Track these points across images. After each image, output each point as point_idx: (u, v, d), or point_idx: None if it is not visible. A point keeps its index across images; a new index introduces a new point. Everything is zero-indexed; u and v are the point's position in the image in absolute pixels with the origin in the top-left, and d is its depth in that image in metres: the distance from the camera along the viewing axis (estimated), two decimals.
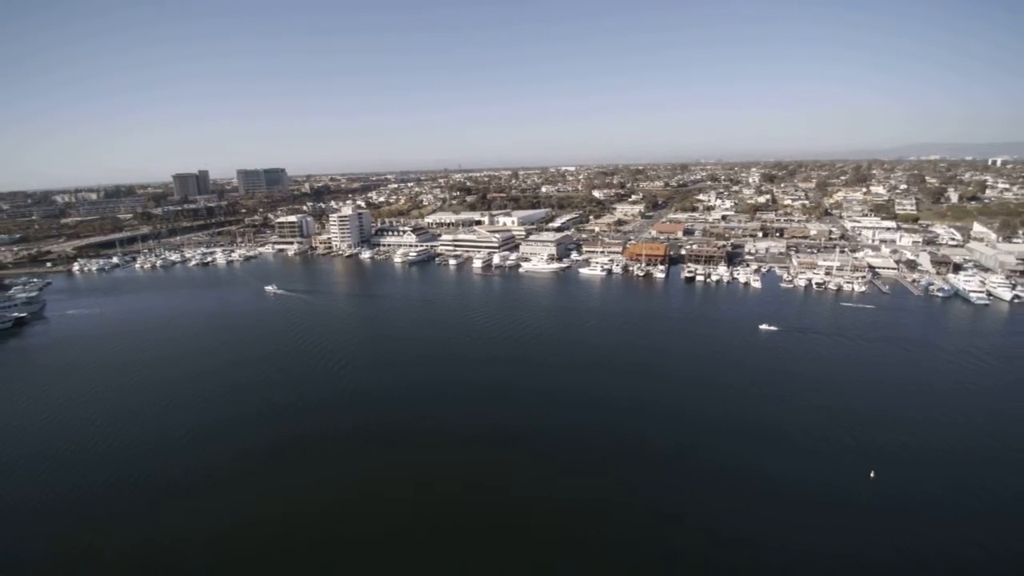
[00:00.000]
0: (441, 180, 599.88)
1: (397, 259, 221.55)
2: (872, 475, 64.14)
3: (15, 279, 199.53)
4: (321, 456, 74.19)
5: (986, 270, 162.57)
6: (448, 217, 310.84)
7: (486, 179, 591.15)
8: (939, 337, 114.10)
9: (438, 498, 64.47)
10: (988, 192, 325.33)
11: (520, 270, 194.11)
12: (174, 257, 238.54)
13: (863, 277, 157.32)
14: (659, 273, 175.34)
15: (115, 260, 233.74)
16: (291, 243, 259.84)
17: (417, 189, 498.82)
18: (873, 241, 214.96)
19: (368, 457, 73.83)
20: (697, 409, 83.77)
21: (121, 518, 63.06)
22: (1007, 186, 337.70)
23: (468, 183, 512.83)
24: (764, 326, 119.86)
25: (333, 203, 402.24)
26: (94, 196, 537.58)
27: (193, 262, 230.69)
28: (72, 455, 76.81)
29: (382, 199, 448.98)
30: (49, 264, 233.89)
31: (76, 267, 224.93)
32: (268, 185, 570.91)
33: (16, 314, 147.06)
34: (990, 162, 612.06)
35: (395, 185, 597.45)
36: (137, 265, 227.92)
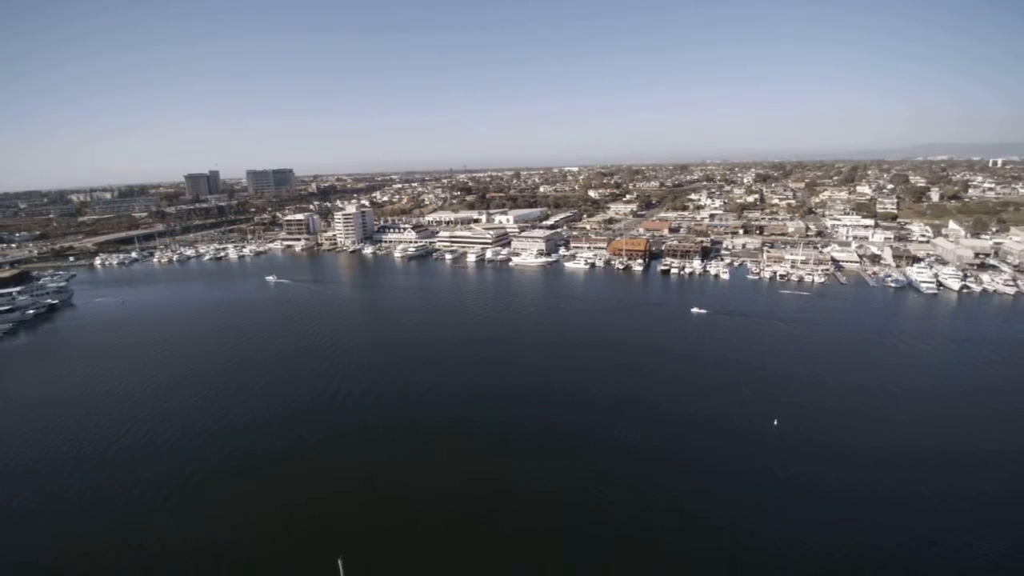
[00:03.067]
0: (444, 180, 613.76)
1: (397, 254, 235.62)
2: (775, 423, 76.93)
3: (42, 272, 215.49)
4: (312, 443, 77.47)
5: (945, 263, 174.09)
6: (447, 216, 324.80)
7: (487, 179, 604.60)
8: (854, 318, 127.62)
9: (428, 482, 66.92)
10: (971, 191, 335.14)
11: (510, 264, 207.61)
12: (189, 252, 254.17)
13: (825, 270, 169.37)
14: (638, 267, 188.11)
15: (134, 255, 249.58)
16: (298, 239, 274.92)
17: (420, 189, 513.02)
18: (847, 238, 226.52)
19: (359, 445, 76.92)
20: (604, 378, 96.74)
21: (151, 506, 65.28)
22: (991, 186, 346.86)
23: (470, 183, 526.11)
24: (695, 309, 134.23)
25: (339, 202, 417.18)
26: (108, 195, 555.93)
27: (207, 257, 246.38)
28: (89, 432, 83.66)
29: (386, 199, 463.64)
30: (72, 258, 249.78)
31: (98, 261, 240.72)
32: (276, 185, 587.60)
33: (49, 301, 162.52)
34: (990, 163, 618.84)
35: (399, 185, 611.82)
36: (155, 259, 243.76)
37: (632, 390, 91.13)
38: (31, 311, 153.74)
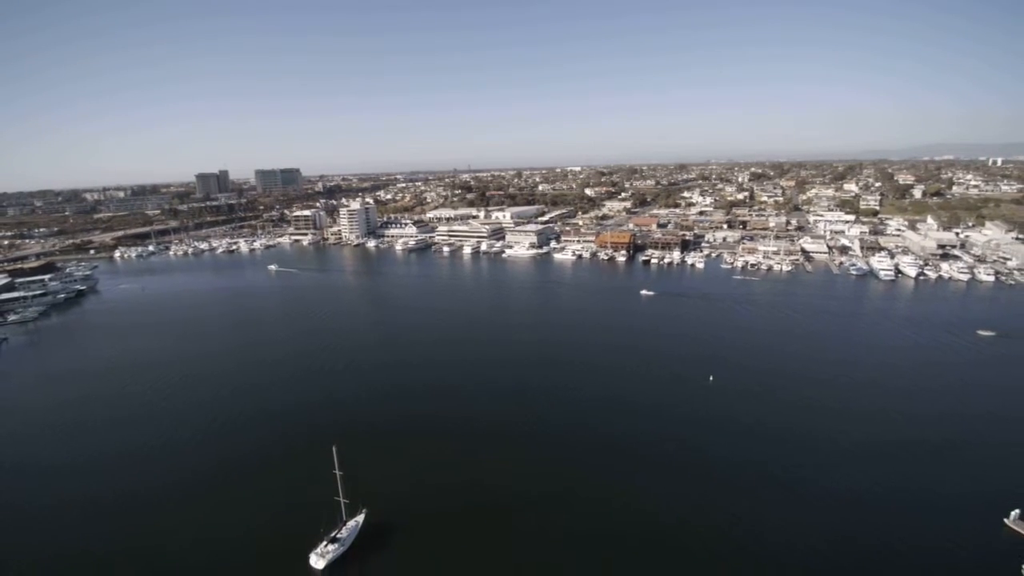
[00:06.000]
0: (447, 179, 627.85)
1: (398, 247, 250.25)
2: (711, 379, 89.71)
3: (66, 263, 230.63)
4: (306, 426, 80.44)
5: (911, 253, 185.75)
6: (448, 213, 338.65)
7: (488, 178, 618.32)
8: (797, 299, 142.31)
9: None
10: (955, 189, 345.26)
11: (504, 255, 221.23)
12: (203, 246, 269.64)
13: (794, 259, 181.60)
14: (621, 257, 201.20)
15: (151, 248, 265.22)
16: (305, 234, 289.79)
17: (422, 188, 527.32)
18: (825, 232, 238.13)
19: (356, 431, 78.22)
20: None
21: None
22: (976, 183, 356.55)
23: (471, 182, 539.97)
24: (644, 292, 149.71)
25: (344, 200, 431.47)
26: (121, 194, 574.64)
27: (220, 250, 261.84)
28: (116, 407, 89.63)
29: (389, 197, 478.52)
30: (92, 252, 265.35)
31: (117, 254, 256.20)
32: (283, 184, 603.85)
33: (77, 287, 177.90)
34: (990, 162, 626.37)
35: (403, 184, 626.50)
36: (171, 252, 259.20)
37: (561, 355, 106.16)
38: (62, 295, 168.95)
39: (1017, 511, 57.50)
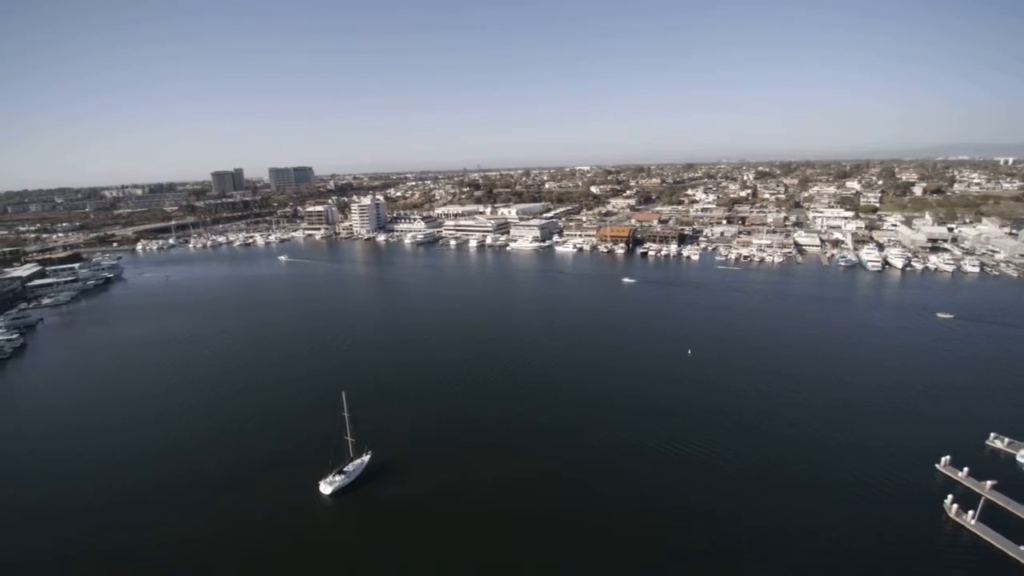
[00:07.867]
0: (457, 178, 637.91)
1: (407, 240, 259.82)
2: (689, 352, 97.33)
3: (91, 254, 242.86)
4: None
5: (901, 246, 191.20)
6: (455, 209, 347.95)
7: (496, 177, 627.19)
8: (770, 287, 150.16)
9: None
10: (956, 186, 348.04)
11: (507, 248, 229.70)
12: (220, 240, 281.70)
13: (787, 252, 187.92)
14: (620, 250, 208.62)
15: (171, 241, 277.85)
16: (318, 229, 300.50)
17: (431, 186, 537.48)
18: (822, 227, 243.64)
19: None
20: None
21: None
22: (978, 181, 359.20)
23: (479, 180, 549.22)
24: (626, 279, 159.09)
25: (355, 197, 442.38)
26: (139, 192, 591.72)
27: (237, 243, 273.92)
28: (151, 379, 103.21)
29: (399, 194, 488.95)
30: (116, 244, 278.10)
31: (139, 247, 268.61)
32: (296, 182, 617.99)
33: (105, 275, 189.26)
34: (1002, 162, 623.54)
35: (413, 183, 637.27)
36: (190, 245, 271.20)
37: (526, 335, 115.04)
38: (91, 282, 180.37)
39: (947, 457, 64.97)
